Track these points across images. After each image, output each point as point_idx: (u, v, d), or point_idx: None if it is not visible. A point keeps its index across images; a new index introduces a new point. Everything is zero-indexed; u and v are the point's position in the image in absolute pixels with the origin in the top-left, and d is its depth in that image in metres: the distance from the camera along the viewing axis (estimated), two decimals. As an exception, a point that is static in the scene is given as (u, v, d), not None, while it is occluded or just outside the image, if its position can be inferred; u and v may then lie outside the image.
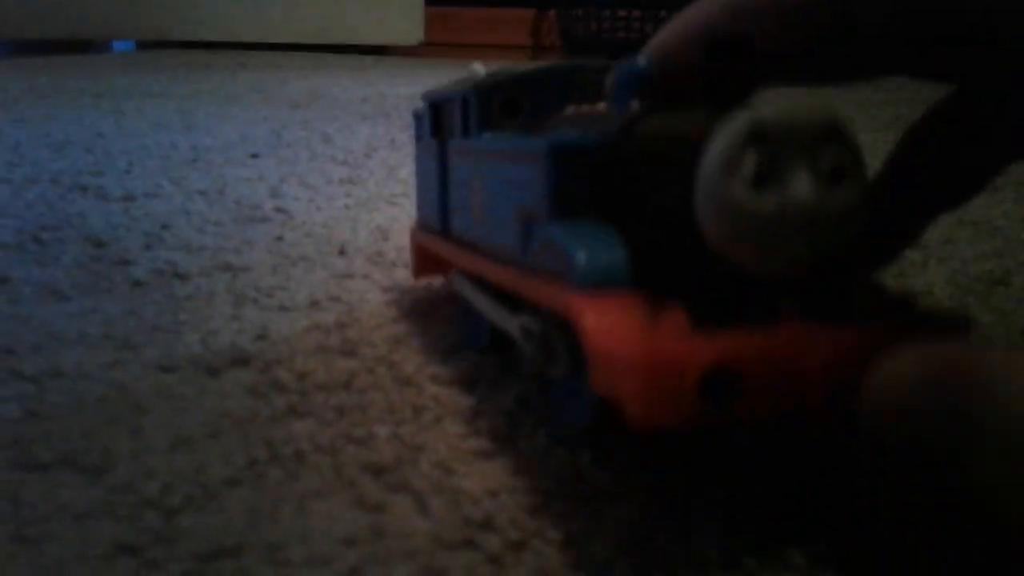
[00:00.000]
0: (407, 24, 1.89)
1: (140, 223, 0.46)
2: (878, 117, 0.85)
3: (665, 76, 0.21)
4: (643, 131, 0.20)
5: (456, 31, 2.00)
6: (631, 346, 0.16)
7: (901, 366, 0.15)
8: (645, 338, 0.16)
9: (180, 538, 0.19)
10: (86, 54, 1.63)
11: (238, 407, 0.25)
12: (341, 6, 1.84)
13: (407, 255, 0.38)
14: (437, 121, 0.31)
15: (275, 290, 0.36)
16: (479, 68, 0.28)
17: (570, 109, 0.26)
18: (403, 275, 0.38)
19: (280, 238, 0.44)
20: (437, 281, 0.36)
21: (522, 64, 0.27)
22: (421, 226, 0.34)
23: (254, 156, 0.66)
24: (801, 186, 0.16)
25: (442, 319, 0.33)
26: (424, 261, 0.34)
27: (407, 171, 0.60)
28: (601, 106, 0.25)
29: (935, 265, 0.40)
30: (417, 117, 0.35)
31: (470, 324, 0.30)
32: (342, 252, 0.42)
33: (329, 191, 0.55)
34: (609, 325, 0.17)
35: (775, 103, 0.16)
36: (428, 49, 1.91)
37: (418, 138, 0.35)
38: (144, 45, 1.78)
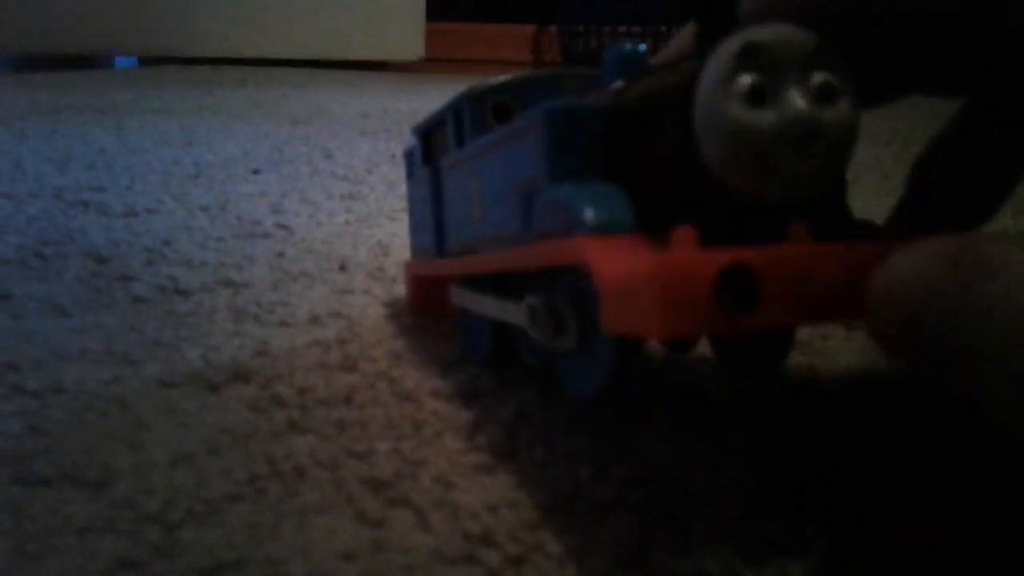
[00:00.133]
0: (408, 40, 1.90)
1: (142, 239, 0.46)
2: (878, 133, 0.85)
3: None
4: (635, 91, 0.20)
5: (457, 47, 2.01)
6: (643, 265, 0.15)
7: (910, 255, 0.15)
8: (656, 255, 0.16)
9: (181, 553, 0.19)
10: (89, 70, 1.64)
11: (239, 422, 0.25)
12: (342, 22, 1.85)
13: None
14: (428, 149, 0.32)
15: (276, 306, 0.36)
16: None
17: None
18: (403, 291, 0.39)
19: (281, 254, 0.44)
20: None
21: (510, 74, 0.28)
22: (416, 258, 0.35)
23: (255, 172, 0.66)
24: (796, 101, 0.17)
25: (442, 335, 0.33)
26: (420, 296, 0.35)
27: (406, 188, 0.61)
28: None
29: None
30: (408, 155, 0.35)
31: (470, 338, 0.30)
32: (343, 268, 0.42)
33: (330, 207, 0.56)
34: (619, 258, 0.17)
35: (764, 27, 0.17)
36: (429, 65, 1.92)
37: (409, 175, 0.35)
38: (146, 61, 1.79)
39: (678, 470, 0.22)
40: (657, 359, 0.29)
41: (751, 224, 0.17)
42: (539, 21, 2.00)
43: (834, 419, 0.26)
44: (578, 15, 1.82)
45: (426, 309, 0.35)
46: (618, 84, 0.21)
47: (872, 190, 0.54)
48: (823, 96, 0.17)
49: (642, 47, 0.23)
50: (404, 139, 0.83)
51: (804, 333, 0.31)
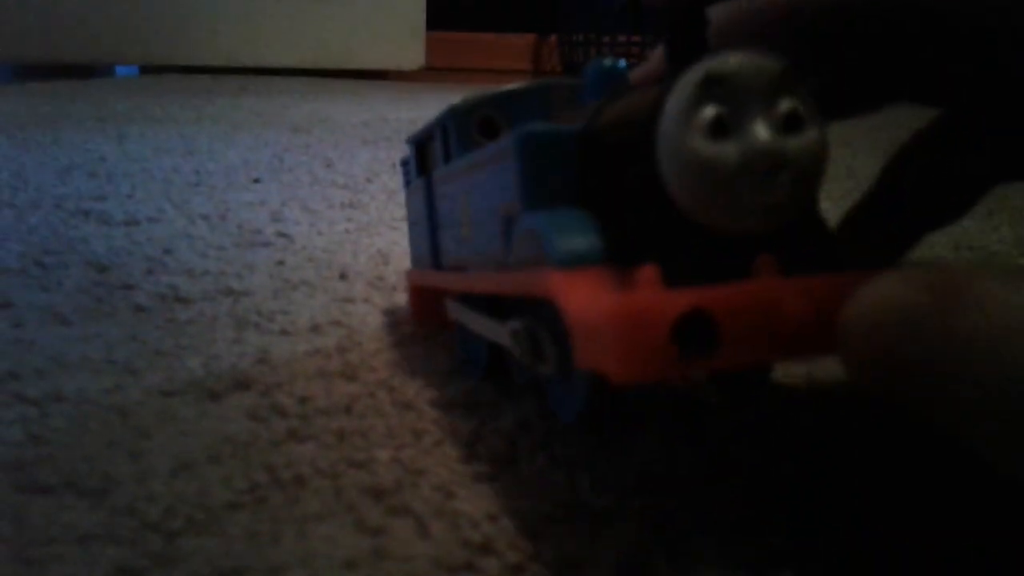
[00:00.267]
0: (408, 49, 1.90)
1: (142, 247, 0.47)
2: (876, 141, 0.86)
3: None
4: (608, 114, 0.20)
5: (457, 56, 2.01)
6: (605, 305, 0.15)
7: (885, 285, 0.14)
8: (618, 296, 0.16)
9: (181, 561, 0.19)
10: (89, 79, 1.64)
11: (239, 431, 0.25)
12: (342, 31, 1.85)
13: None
14: (422, 160, 0.32)
15: (276, 314, 0.36)
16: None
17: None
18: (404, 299, 0.39)
19: (282, 262, 0.45)
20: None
21: (497, 86, 0.27)
22: (416, 268, 0.35)
23: (256, 181, 0.67)
24: (759, 132, 0.16)
25: (442, 344, 0.33)
26: (422, 305, 0.35)
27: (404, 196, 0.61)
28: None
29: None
30: (404, 164, 0.35)
31: (468, 349, 0.30)
32: (343, 276, 0.42)
33: (330, 215, 0.56)
34: (585, 295, 0.17)
35: (728, 54, 0.17)
36: (429, 74, 1.93)
37: (406, 184, 0.35)
38: (147, 70, 1.80)
39: (677, 479, 0.22)
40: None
41: (720, 255, 0.17)
42: (539, 30, 2.00)
43: (832, 425, 0.26)
44: (578, 24, 1.83)
45: (428, 318, 0.35)
46: (594, 104, 0.21)
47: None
48: (789, 125, 0.16)
49: (622, 63, 0.23)
50: (404, 148, 0.83)
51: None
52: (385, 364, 0.31)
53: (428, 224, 0.31)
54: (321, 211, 0.57)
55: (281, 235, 0.50)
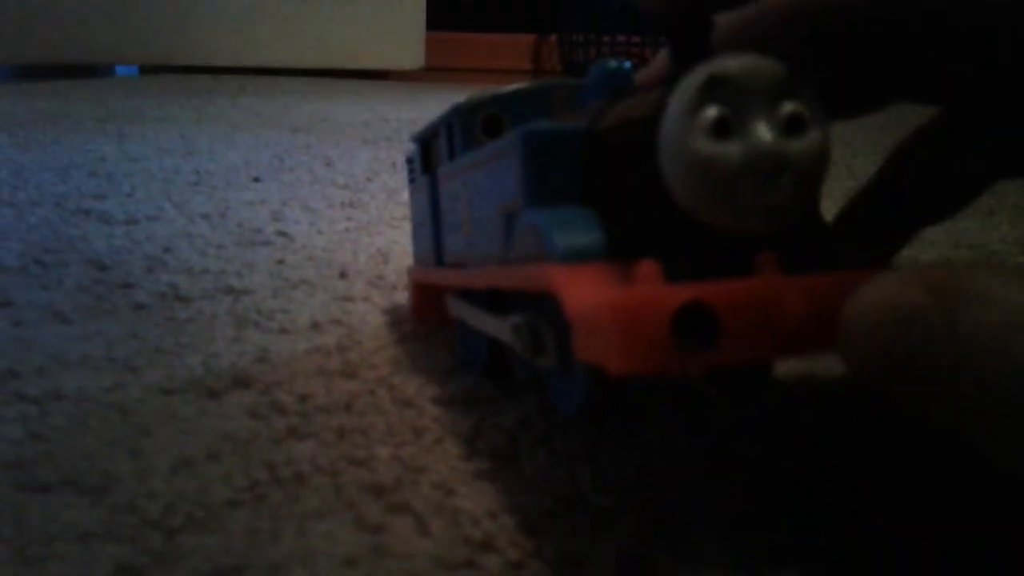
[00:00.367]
0: (408, 49, 1.90)
1: (142, 246, 0.47)
2: (876, 141, 0.86)
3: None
4: (611, 115, 0.20)
5: (457, 56, 2.01)
6: (605, 298, 0.15)
7: (887, 283, 0.15)
8: (618, 289, 0.16)
9: (181, 559, 0.19)
10: (90, 79, 1.64)
11: (239, 429, 0.25)
12: (342, 31, 1.85)
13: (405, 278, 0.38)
14: (427, 157, 0.32)
15: (276, 313, 0.36)
16: None
17: None
18: (404, 298, 0.39)
19: (282, 261, 0.45)
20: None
21: (498, 86, 0.28)
22: (418, 265, 0.35)
23: (256, 180, 0.67)
24: (762, 133, 0.16)
25: (442, 341, 0.33)
26: (423, 302, 0.35)
27: (408, 194, 0.61)
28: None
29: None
30: (409, 161, 0.35)
31: (469, 346, 0.30)
32: (343, 275, 0.42)
33: (330, 214, 0.56)
34: (586, 288, 0.17)
35: (732, 56, 0.17)
36: (429, 74, 1.93)
37: (411, 180, 0.35)
38: (147, 70, 1.80)
39: (678, 472, 0.22)
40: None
41: (721, 253, 0.17)
42: (539, 30, 2.00)
43: (832, 421, 0.26)
44: (578, 24, 1.83)
45: (428, 315, 0.35)
46: (597, 104, 0.21)
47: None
48: (792, 127, 0.16)
49: (627, 64, 0.23)
50: (404, 147, 0.83)
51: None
52: (385, 362, 0.31)
53: (432, 221, 0.31)
54: (321, 210, 0.57)
55: (281, 234, 0.50)
